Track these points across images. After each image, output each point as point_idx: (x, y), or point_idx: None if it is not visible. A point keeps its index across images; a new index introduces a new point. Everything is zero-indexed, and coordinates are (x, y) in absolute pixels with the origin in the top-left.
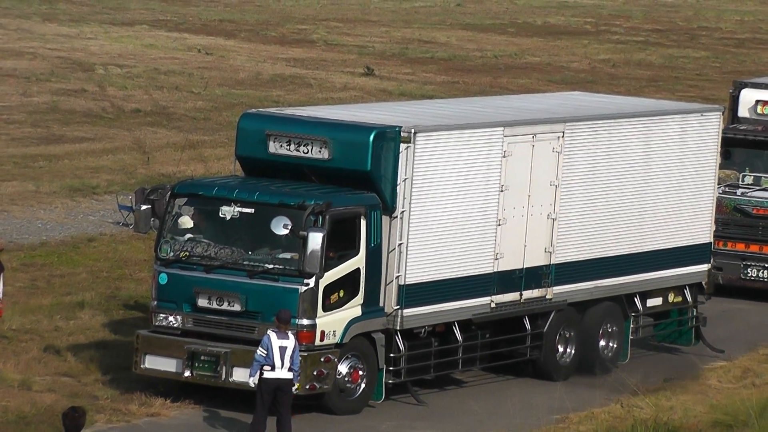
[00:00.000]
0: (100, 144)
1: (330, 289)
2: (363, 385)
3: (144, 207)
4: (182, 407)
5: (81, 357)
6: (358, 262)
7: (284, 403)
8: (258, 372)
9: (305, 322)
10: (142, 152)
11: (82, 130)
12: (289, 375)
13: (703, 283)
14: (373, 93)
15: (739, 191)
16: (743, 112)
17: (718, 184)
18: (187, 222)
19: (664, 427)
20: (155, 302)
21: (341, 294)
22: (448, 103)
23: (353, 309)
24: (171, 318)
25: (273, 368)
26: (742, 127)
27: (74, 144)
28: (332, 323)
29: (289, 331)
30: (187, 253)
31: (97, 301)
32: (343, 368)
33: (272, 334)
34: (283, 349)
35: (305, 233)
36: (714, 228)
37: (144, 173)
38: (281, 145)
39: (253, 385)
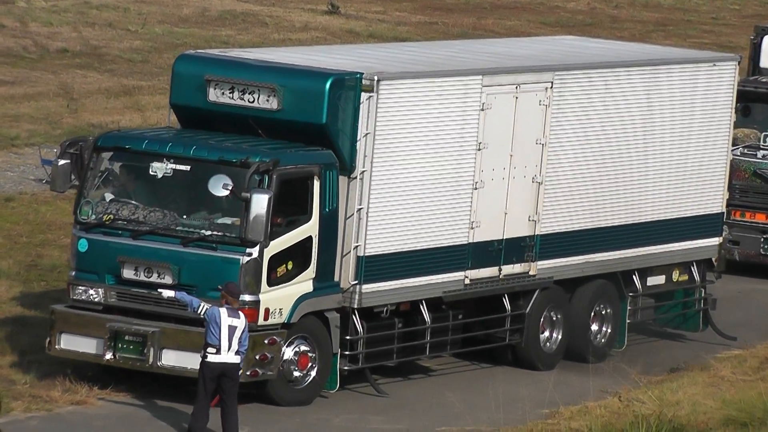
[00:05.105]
0: (20, 88)
1: (276, 260)
2: (313, 373)
3: (62, 162)
4: (112, 394)
5: None
6: (309, 229)
7: (230, 391)
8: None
9: (247, 297)
10: (69, 98)
11: (0, 72)
12: (237, 359)
13: (714, 259)
14: (338, 34)
15: (759, 153)
16: (765, 62)
17: (735, 145)
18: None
19: (668, 424)
20: (73, 272)
21: (289, 266)
22: (420, 47)
23: (303, 284)
24: (91, 291)
25: (219, 351)
26: (764, 80)
27: None
28: (278, 300)
29: (240, 310)
30: (112, 217)
31: (15, 271)
32: (289, 352)
33: (223, 311)
34: (232, 329)
35: (248, 195)
36: (728, 196)
37: (71, 123)
38: (223, 93)
39: (166, 296)
